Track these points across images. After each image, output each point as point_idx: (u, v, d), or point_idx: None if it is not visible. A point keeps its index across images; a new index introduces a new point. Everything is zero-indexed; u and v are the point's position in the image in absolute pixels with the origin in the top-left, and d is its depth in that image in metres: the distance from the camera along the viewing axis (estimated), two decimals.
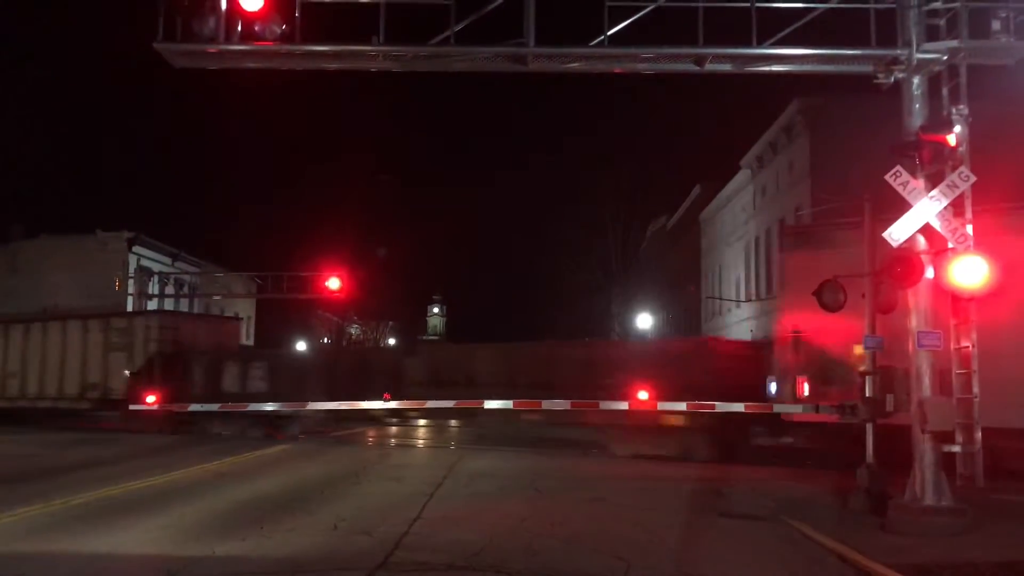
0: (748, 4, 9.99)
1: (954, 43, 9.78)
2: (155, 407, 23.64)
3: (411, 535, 9.34)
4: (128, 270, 38.40)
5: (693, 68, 10.49)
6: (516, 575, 7.60)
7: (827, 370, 14.98)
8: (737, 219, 40.19)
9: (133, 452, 18.34)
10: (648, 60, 10.60)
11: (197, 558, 8.19)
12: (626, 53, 10.45)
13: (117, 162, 77.46)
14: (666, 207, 51.99)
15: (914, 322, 9.66)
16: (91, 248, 39.18)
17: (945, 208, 9.40)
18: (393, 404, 21.06)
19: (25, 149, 40.87)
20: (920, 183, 9.54)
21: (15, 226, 42.94)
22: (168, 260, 42.46)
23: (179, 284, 42.13)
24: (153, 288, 36.89)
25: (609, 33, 10.10)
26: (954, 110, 9.63)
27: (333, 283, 32.92)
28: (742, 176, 38.80)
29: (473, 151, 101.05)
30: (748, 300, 36.53)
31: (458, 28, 10.09)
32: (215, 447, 19.36)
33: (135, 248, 39.71)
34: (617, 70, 11.13)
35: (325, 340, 63.10)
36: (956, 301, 9.65)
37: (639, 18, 10.06)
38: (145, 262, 40.01)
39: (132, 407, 23.98)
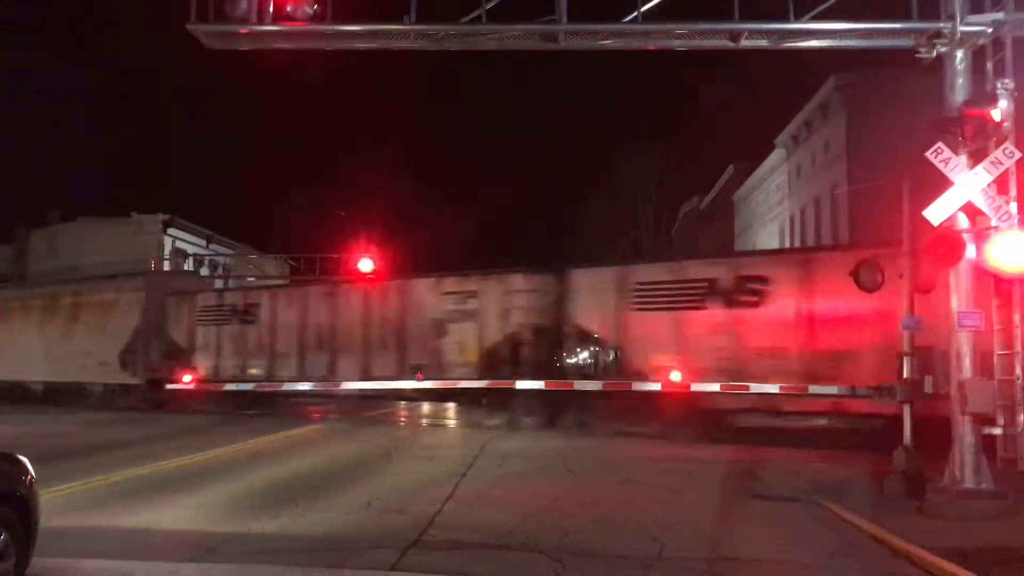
0: None
1: (999, 15, 9.53)
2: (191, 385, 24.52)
3: (444, 514, 9.39)
4: (163, 252, 38.85)
5: (728, 44, 10.32)
6: (549, 554, 7.59)
7: None
8: (771, 199, 39.72)
9: (170, 432, 18.64)
10: (682, 37, 10.43)
11: (233, 534, 8.30)
12: (660, 29, 10.30)
13: (153, 146, 78.40)
14: (699, 187, 51.44)
15: (955, 302, 9.47)
16: (127, 231, 39.65)
17: (988, 185, 9.18)
18: (427, 384, 21.13)
19: (63, 134, 41.59)
20: (962, 160, 9.32)
21: (53, 210, 43.78)
22: (203, 242, 42.91)
23: (213, 266, 42.61)
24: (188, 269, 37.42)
25: (643, 9, 9.99)
26: (999, 84, 9.38)
27: (365, 264, 33.03)
28: (776, 156, 38.29)
29: (505, 132, 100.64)
30: None
31: (489, 6, 10.04)
32: (248, 427, 19.62)
33: (170, 230, 40.15)
34: (651, 47, 10.95)
35: None
36: (998, 281, 9.47)
37: None
38: (180, 244, 40.50)
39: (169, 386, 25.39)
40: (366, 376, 22.51)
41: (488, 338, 20.74)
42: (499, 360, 20.49)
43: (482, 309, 20.88)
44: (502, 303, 20.63)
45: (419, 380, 21.54)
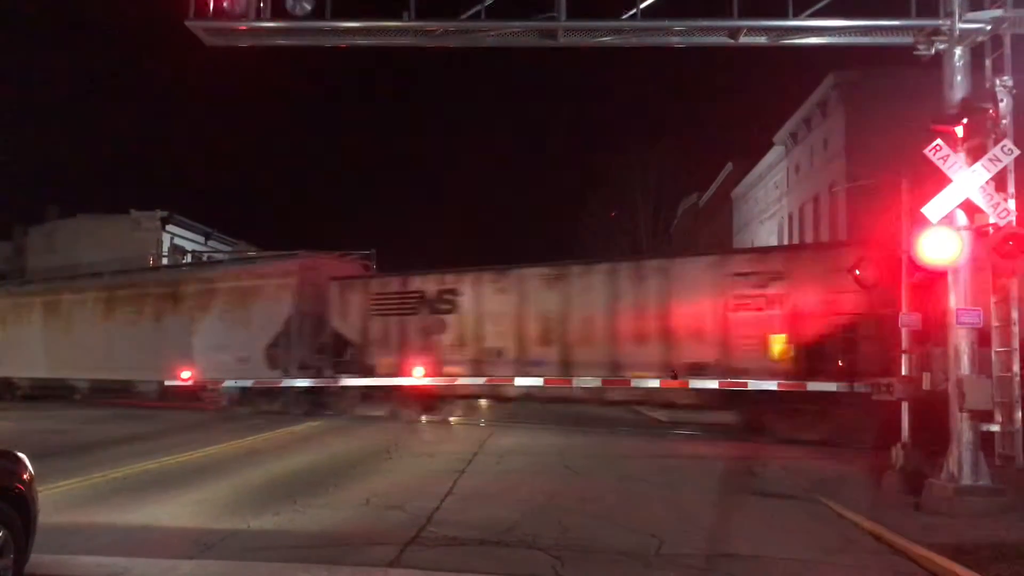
0: None
1: (998, 12, 9.53)
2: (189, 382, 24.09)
3: (443, 510, 9.40)
4: (162, 248, 38.87)
5: (727, 41, 10.33)
6: (548, 551, 7.60)
7: None
8: (770, 196, 39.75)
9: (169, 428, 18.65)
10: (681, 34, 10.44)
11: (232, 531, 8.30)
12: (659, 26, 10.30)
13: (152, 142, 78.32)
14: (698, 184, 51.50)
15: (953, 299, 9.48)
16: (125, 227, 39.69)
17: (987, 182, 9.19)
18: (427, 380, 21.09)
19: (61, 131, 41.61)
20: (961, 157, 9.31)
21: (51, 207, 43.79)
22: (201, 239, 42.94)
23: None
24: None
25: (641, 6, 10.00)
26: (998, 81, 9.38)
27: None
28: (775, 153, 38.33)
29: (501, 126, 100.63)
30: None
31: (488, 3, 10.04)
32: (248, 424, 19.64)
33: (168, 227, 40.22)
34: (649, 44, 10.96)
35: None
36: (997, 278, 9.45)
37: None
38: (179, 241, 40.56)
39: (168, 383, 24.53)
40: (613, 374, 18.53)
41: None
42: (820, 357, 16.22)
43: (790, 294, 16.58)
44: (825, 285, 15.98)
45: (690, 380, 17.40)
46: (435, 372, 20.82)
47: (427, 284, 21.75)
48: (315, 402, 22.62)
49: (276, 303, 23.39)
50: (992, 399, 9.25)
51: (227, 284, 24.97)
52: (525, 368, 19.69)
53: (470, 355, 20.63)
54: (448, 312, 21.07)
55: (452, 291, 21.21)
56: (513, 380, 19.86)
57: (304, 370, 22.74)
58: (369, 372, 21.93)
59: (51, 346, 27.71)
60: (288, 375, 22.79)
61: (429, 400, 21.50)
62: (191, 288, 25.62)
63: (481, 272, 21.30)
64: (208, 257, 41.83)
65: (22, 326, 29.14)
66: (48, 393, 27.69)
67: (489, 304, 20.57)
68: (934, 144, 9.29)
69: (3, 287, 33.04)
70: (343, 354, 22.70)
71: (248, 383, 23.33)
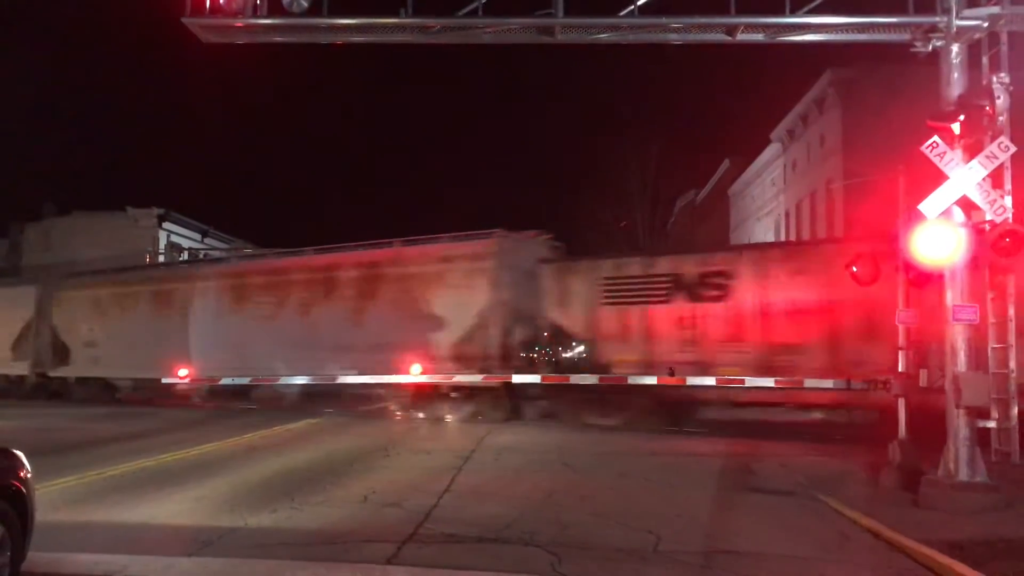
0: None
1: (995, 9, 9.52)
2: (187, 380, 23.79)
3: (440, 507, 9.40)
4: (158, 246, 38.81)
5: (724, 38, 10.33)
6: (546, 548, 7.60)
7: None
8: (767, 193, 39.78)
9: (165, 426, 18.62)
10: (678, 30, 10.42)
11: (229, 529, 8.30)
12: (656, 23, 10.29)
13: (149, 140, 78.20)
14: (694, 181, 51.53)
15: (949, 296, 9.49)
16: (122, 225, 39.61)
17: (984, 179, 9.19)
18: (424, 378, 20.99)
19: (58, 128, 41.52)
20: (958, 154, 9.31)
21: (48, 204, 43.72)
22: (198, 236, 42.88)
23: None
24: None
25: (639, 3, 9.99)
26: (995, 79, 9.37)
27: None
28: (772, 149, 38.36)
29: (498, 120, 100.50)
30: None
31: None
32: (246, 421, 19.60)
33: (165, 224, 40.17)
34: (647, 41, 10.95)
35: None
36: (993, 274, 9.47)
37: None
38: (175, 238, 40.51)
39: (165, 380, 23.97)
40: None
41: None
42: None
43: None
44: None
45: None
46: (697, 371, 17.15)
47: (684, 266, 18.17)
48: (514, 408, 19.72)
49: (467, 291, 19.96)
50: (989, 395, 9.28)
51: (397, 270, 21.47)
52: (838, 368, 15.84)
53: (751, 351, 16.77)
54: (717, 300, 17.37)
55: (723, 274, 17.46)
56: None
57: (504, 370, 19.50)
58: (603, 371, 18.49)
59: (166, 341, 24.04)
60: (494, 372, 19.46)
61: (684, 406, 18.15)
62: (349, 275, 22.18)
63: (763, 251, 18.48)
64: (204, 255, 41.81)
65: (124, 320, 25.51)
66: (156, 395, 24.82)
67: (775, 290, 16.77)
68: (931, 141, 9.29)
69: (90, 277, 28.72)
70: (562, 350, 19.80)
71: (467, 379, 19.81)
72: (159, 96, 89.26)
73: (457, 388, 20.34)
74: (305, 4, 9.98)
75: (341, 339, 21.33)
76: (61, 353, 27.02)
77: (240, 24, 10.19)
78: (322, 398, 22.35)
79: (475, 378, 19.79)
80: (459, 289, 20.14)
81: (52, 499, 9.16)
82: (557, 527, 8.45)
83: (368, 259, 22.35)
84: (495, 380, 19.56)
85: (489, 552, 7.56)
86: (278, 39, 10.74)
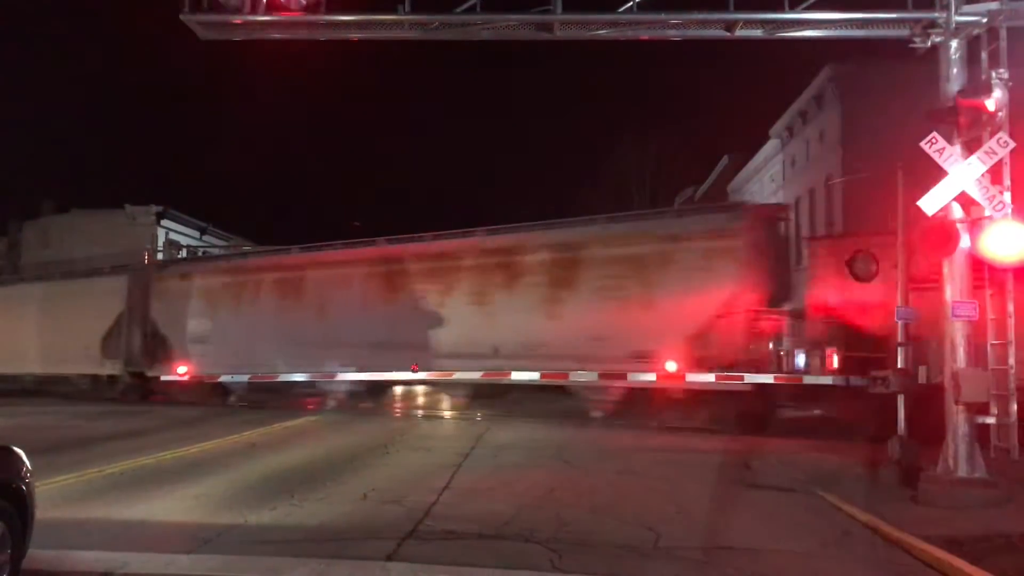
0: None
1: (994, 5, 9.52)
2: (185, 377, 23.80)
3: (440, 504, 9.41)
4: (157, 243, 38.75)
5: (723, 34, 10.31)
6: (545, 544, 7.61)
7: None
8: (766, 189, 39.72)
9: (165, 424, 18.62)
10: (677, 26, 10.40)
11: (229, 526, 8.30)
12: (655, 19, 10.27)
13: (147, 137, 78.13)
14: (694, 178, 51.40)
15: (949, 292, 9.49)
16: (120, 222, 39.55)
17: (983, 175, 9.19)
18: (422, 375, 21.01)
19: (56, 126, 41.49)
20: (956, 150, 9.32)
21: (46, 201, 43.61)
22: (196, 233, 42.84)
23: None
24: None
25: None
26: (994, 74, 9.35)
27: None
28: (771, 146, 38.30)
29: (497, 116, 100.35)
30: None
31: None
32: (245, 418, 19.60)
33: (163, 222, 40.12)
34: (645, 37, 10.91)
35: None
36: (992, 271, 9.47)
37: None
38: (173, 235, 40.46)
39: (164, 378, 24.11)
40: None
41: None
42: None
43: None
44: None
45: None
46: None
47: None
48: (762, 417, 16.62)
49: (705, 273, 16.89)
50: (988, 392, 9.29)
51: (605, 251, 18.53)
52: None
53: None
54: None
55: None
56: None
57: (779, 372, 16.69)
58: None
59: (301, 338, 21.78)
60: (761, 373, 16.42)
61: None
62: (537, 257, 19.32)
63: None
64: (203, 252, 41.78)
65: (241, 311, 23.26)
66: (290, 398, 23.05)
67: None
68: (930, 137, 9.29)
69: (199, 263, 27.28)
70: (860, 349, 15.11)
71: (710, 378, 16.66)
72: (158, 93, 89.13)
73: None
74: (303, 0, 9.96)
75: (533, 329, 18.55)
76: (163, 350, 24.55)
77: (238, 21, 10.15)
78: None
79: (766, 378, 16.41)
80: (693, 272, 17.02)
81: (52, 496, 9.15)
82: (557, 524, 8.45)
83: (563, 242, 19.40)
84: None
85: (489, 549, 7.57)
86: (276, 36, 10.70)
